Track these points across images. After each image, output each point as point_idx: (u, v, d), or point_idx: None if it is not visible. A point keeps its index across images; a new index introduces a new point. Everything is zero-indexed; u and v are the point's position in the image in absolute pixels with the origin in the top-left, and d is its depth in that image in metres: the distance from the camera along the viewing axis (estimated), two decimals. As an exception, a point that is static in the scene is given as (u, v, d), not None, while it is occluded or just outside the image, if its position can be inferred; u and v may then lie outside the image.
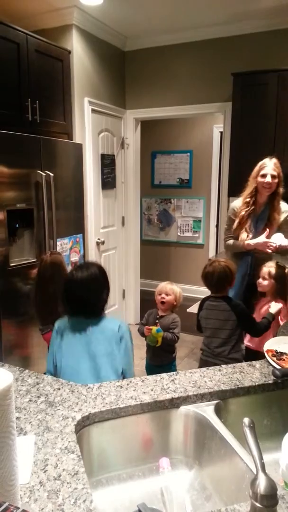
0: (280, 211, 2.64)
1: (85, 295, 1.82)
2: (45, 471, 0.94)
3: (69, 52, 3.43)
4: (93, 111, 3.75)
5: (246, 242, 2.60)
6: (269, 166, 2.58)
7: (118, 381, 1.34)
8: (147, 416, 1.23)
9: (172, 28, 3.72)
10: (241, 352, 2.25)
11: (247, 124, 3.41)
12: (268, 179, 2.57)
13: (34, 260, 3.02)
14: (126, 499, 1.14)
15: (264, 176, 2.58)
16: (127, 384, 1.32)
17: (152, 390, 1.29)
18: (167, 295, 2.56)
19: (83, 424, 1.15)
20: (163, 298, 2.56)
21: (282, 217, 2.66)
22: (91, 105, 3.70)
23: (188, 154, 5.44)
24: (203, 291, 5.65)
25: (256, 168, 2.64)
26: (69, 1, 3.21)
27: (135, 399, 1.23)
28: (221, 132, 4.18)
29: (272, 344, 1.60)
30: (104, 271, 1.95)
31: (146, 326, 2.53)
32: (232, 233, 2.76)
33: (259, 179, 2.60)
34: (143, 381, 1.34)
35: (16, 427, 1.08)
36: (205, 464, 1.22)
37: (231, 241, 2.78)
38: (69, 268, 3.07)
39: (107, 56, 3.90)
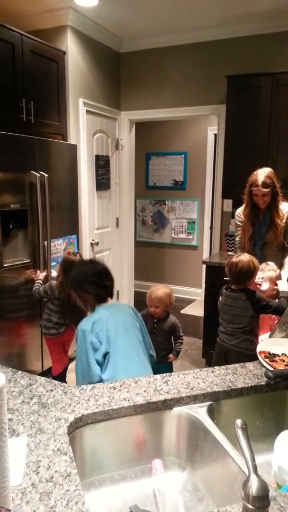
0: (281, 215, 2.67)
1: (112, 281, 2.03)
2: (37, 473, 0.94)
3: (64, 53, 3.43)
4: (88, 112, 3.75)
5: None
6: (260, 185, 2.59)
7: (111, 383, 1.34)
8: (140, 417, 1.23)
9: (167, 30, 3.73)
10: (253, 339, 2.32)
11: (241, 126, 3.42)
12: (261, 199, 2.63)
13: (28, 261, 3.01)
14: (119, 501, 1.14)
15: (256, 196, 2.64)
16: (120, 386, 1.32)
17: (145, 391, 1.29)
18: (156, 307, 2.57)
19: (76, 426, 1.15)
20: (154, 311, 2.59)
21: (285, 218, 2.71)
22: (85, 106, 3.70)
23: (183, 156, 5.46)
24: (197, 293, 5.68)
25: (249, 182, 2.67)
26: (64, 2, 3.21)
27: (128, 400, 1.23)
28: (215, 134, 4.20)
29: (265, 345, 1.60)
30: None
31: None
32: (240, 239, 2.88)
33: (254, 196, 2.65)
34: (136, 382, 1.34)
35: (8, 429, 1.07)
36: (197, 465, 1.23)
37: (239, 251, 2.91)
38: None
39: (102, 57, 3.90)
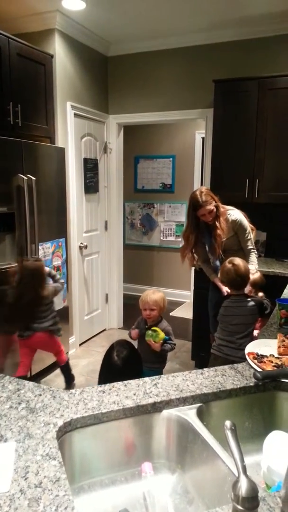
0: (224, 228, 2.74)
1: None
2: (25, 479, 0.93)
3: (52, 56, 3.42)
4: (76, 115, 3.75)
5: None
6: (202, 205, 2.66)
7: (100, 386, 1.34)
8: (130, 420, 1.23)
9: (155, 34, 3.76)
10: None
11: (228, 130, 3.46)
12: (208, 217, 2.71)
13: (15, 264, 2.98)
14: (109, 505, 1.14)
15: (203, 215, 2.71)
16: (110, 389, 1.32)
17: (134, 394, 1.28)
18: (151, 310, 2.55)
19: (65, 430, 1.14)
20: (149, 314, 2.57)
21: (232, 226, 2.79)
22: (73, 109, 3.70)
23: (171, 159, 5.48)
24: (186, 295, 5.69)
25: (190, 205, 2.73)
26: (52, 6, 3.21)
27: (118, 404, 1.23)
28: (203, 138, 4.23)
29: (253, 347, 1.62)
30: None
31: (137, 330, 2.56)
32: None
33: (200, 217, 2.73)
34: (125, 385, 1.34)
35: (-4, 435, 1.06)
36: (187, 467, 1.23)
37: (202, 265, 3.03)
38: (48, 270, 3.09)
39: (90, 61, 3.91)
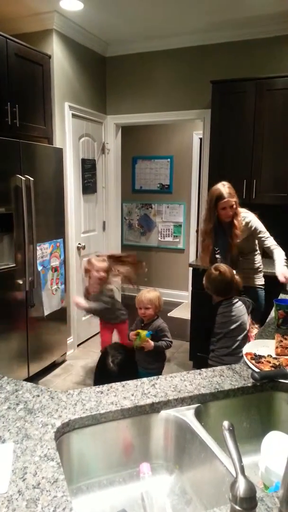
0: (241, 228, 2.70)
1: None
2: (24, 480, 0.93)
3: (50, 56, 3.42)
4: (74, 116, 3.75)
5: None
6: (226, 197, 2.60)
7: (99, 387, 1.33)
8: (128, 421, 1.23)
9: (152, 35, 3.76)
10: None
11: (225, 131, 3.46)
12: (229, 211, 2.64)
13: (14, 265, 2.98)
14: (107, 506, 1.14)
15: (224, 208, 2.64)
16: (108, 390, 1.32)
17: (132, 395, 1.28)
18: (146, 308, 2.56)
19: (63, 431, 1.14)
20: (144, 313, 2.57)
21: (246, 228, 2.75)
22: (71, 110, 3.69)
23: (169, 160, 5.48)
24: (184, 296, 5.68)
25: (212, 198, 2.65)
26: (50, 6, 3.21)
27: (116, 404, 1.23)
28: (201, 139, 4.23)
29: (251, 347, 1.62)
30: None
31: (131, 332, 2.56)
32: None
33: (220, 211, 2.65)
34: (123, 386, 1.34)
35: (-6, 436, 1.06)
36: (185, 468, 1.23)
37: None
38: (48, 273, 3.09)
39: (87, 61, 3.91)
